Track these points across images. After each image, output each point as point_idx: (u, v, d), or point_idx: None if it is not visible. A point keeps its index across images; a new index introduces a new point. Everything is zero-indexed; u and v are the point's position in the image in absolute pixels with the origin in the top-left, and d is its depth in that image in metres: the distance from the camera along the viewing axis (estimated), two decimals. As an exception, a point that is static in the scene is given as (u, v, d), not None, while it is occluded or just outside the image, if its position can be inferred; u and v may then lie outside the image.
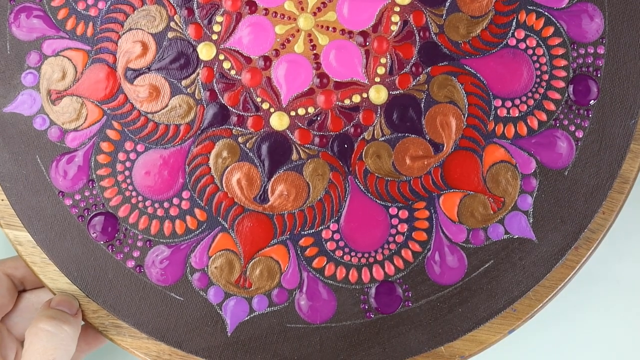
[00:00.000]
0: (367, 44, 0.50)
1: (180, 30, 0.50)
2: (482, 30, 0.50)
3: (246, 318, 0.49)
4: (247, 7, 0.50)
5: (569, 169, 0.49)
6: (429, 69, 0.50)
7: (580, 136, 0.49)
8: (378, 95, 0.50)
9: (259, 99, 0.50)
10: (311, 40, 0.50)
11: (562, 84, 0.50)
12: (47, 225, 0.49)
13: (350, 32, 0.50)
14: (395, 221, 0.49)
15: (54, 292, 0.50)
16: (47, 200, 0.49)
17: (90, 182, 0.49)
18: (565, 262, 0.50)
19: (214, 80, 0.50)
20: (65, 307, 0.49)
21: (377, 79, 0.50)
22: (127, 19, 0.50)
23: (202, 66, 0.50)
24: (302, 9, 0.50)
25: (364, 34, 0.50)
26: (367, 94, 0.50)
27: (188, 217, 0.49)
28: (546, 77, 0.50)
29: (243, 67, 0.50)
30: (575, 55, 0.50)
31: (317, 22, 0.50)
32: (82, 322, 0.50)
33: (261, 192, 0.50)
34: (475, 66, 0.50)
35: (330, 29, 0.50)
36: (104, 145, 0.50)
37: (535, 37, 0.50)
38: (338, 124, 0.50)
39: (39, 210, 0.49)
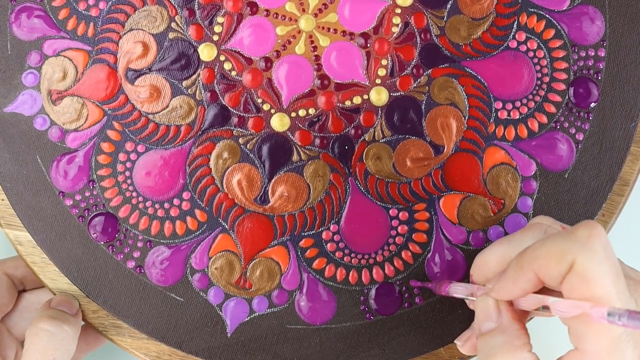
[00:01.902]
0: (368, 45, 0.50)
1: (181, 30, 0.50)
2: (483, 32, 0.50)
3: (246, 319, 0.49)
4: (248, 8, 0.50)
5: (569, 171, 0.50)
6: (429, 70, 0.50)
7: (581, 139, 0.50)
8: (379, 96, 0.50)
9: (259, 100, 0.50)
10: (312, 42, 0.50)
11: (562, 87, 0.50)
12: (48, 226, 0.49)
13: (351, 34, 0.50)
14: (395, 223, 0.50)
15: (54, 292, 0.50)
16: (47, 200, 0.49)
17: (91, 183, 0.50)
18: (564, 265, 0.50)
19: (215, 81, 0.50)
20: (66, 307, 0.49)
21: (378, 81, 0.50)
22: (128, 19, 0.50)
23: (203, 67, 0.50)
24: (303, 10, 0.50)
25: (365, 35, 0.50)
26: (368, 95, 0.50)
27: (188, 218, 0.49)
28: (547, 79, 0.50)
29: (244, 68, 0.50)
30: (576, 57, 0.50)
31: (318, 23, 0.50)
32: (82, 322, 0.50)
33: (261, 193, 0.50)
34: (476, 68, 0.50)
35: (331, 30, 0.50)
36: (105, 146, 0.50)
37: (536, 39, 0.50)
38: (339, 126, 0.50)
39: (39, 210, 0.49)
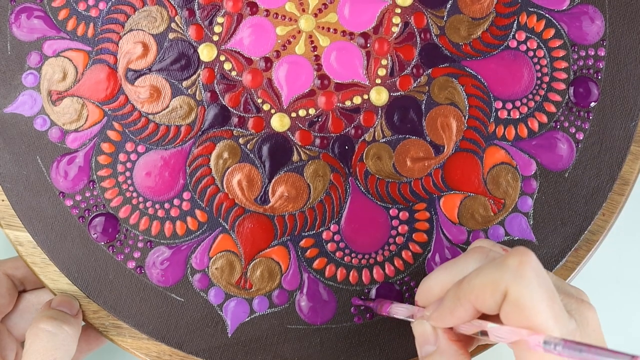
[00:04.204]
0: (368, 45, 0.50)
1: (181, 31, 0.50)
2: (483, 32, 0.50)
3: (247, 319, 0.49)
4: (248, 8, 0.50)
5: (569, 170, 0.50)
6: (429, 70, 0.50)
7: (581, 138, 0.50)
8: (379, 96, 0.50)
9: (259, 100, 0.50)
10: (312, 42, 0.50)
11: (562, 86, 0.50)
12: (48, 226, 0.49)
13: (351, 34, 0.50)
14: (395, 222, 0.50)
15: (54, 292, 0.50)
16: (47, 200, 0.49)
17: (91, 183, 0.50)
18: (565, 264, 0.50)
19: (215, 81, 0.50)
20: (66, 308, 0.49)
21: (378, 81, 0.50)
22: (128, 19, 0.50)
23: (203, 67, 0.50)
24: (303, 10, 0.50)
25: (365, 35, 0.50)
26: (368, 95, 0.50)
27: (189, 218, 0.49)
28: (547, 79, 0.50)
29: (244, 68, 0.50)
30: (576, 57, 0.50)
31: (318, 23, 0.50)
32: (83, 323, 0.50)
33: (262, 193, 0.50)
34: (476, 68, 0.50)
35: (331, 30, 0.50)
36: (105, 146, 0.50)
37: (536, 39, 0.50)
38: (339, 126, 0.50)
39: (39, 210, 0.49)
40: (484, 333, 0.39)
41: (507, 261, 0.37)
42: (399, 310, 0.45)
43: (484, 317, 0.39)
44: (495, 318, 0.39)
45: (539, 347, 0.35)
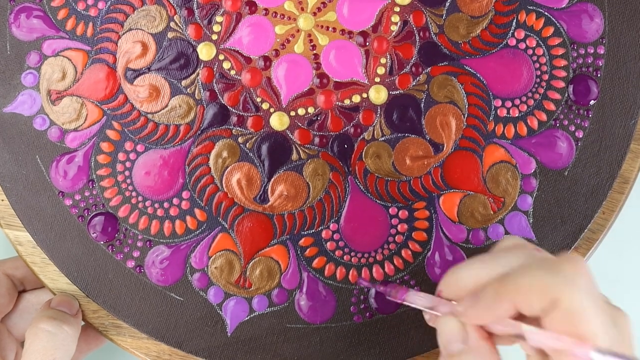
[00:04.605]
0: (367, 44, 0.50)
1: (180, 30, 0.50)
2: (482, 30, 0.50)
3: (246, 318, 0.49)
4: (247, 7, 0.50)
5: (569, 169, 0.49)
6: (428, 69, 0.50)
7: (580, 136, 0.49)
8: (378, 95, 0.50)
9: (258, 99, 0.50)
10: (311, 41, 0.50)
11: (562, 84, 0.50)
12: (47, 226, 0.49)
13: (350, 32, 0.50)
14: (395, 221, 0.49)
15: (54, 292, 0.50)
16: (47, 200, 0.49)
17: (90, 182, 0.50)
18: (565, 262, 0.50)
19: (214, 81, 0.50)
20: (65, 308, 0.49)
21: (377, 79, 0.50)
22: (127, 19, 0.50)
23: (202, 66, 0.50)
24: (302, 9, 0.50)
25: (363, 34, 0.50)
26: (367, 94, 0.50)
27: (188, 217, 0.49)
28: (546, 77, 0.50)
29: (243, 67, 0.50)
30: (575, 55, 0.50)
31: (317, 22, 0.50)
32: (82, 322, 0.50)
33: (261, 192, 0.50)
34: (475, 66, 0.50)
35: (330, 29, 0.50)
36: (104, 146, 0.50)
37: (535, 37, 0.50)
38: (338, 124, 0.50)
39: (39, 210, 0.49)
40: (519, 335, 0.38)
41: (562, 267, 0.36)
42: (417, 300, 0.42)
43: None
44: (526, 319, 0.38)
45: (586, 358, 0.35)
